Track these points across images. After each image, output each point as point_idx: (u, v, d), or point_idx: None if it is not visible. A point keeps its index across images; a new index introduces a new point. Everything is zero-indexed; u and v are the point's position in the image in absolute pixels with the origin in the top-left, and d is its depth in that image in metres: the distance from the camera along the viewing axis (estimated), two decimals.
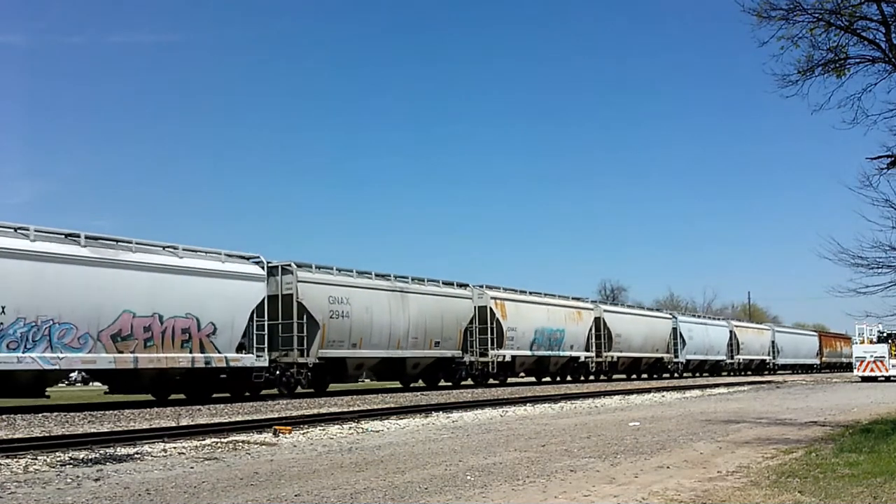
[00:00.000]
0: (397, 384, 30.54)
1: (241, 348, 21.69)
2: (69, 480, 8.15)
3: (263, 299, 22.30)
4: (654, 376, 43.73)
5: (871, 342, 40.42)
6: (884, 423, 13.10)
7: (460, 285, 30.97)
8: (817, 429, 13.59)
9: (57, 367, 17.82)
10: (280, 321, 23.46)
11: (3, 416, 15.83)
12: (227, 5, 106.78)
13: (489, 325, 31.01)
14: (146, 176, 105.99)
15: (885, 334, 39.99)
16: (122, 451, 10.71)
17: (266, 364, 22.26)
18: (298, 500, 7.01)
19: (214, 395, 22.12)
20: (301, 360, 23.68)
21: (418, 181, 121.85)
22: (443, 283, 30.10)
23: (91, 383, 38.51)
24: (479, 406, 19.54)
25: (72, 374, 35.63)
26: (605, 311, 39.72)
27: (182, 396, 21.95)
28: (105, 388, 21.88)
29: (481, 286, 31.98)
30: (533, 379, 37.18)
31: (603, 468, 8.82)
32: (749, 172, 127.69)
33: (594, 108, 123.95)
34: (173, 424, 14.38)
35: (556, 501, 6.93)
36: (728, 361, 51.66)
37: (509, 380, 34.18)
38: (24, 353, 17.06)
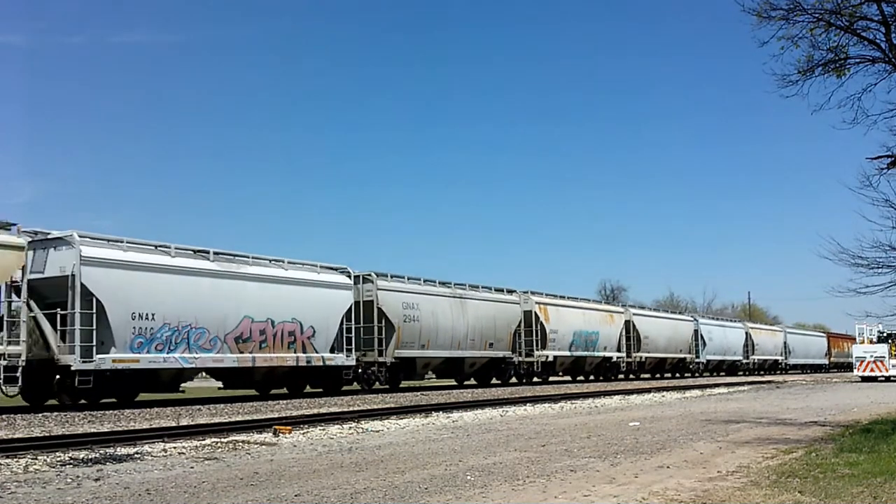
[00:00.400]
0: (452, 381, 33.22)
1: (333, 349, 24.69)
2: (69, 480, 8.16)
3: (351, 305, 25.44)
4: (677, 375, 46.11)
5: (871, 342, 40.42)
6: (884, 423, 13.10)
7: (509, 291, 34.06)
8: (817, 429, 13.59)
9: (193, 365, 21.09)
10: (362, 325, 26.30)
11: (3, 417, 15.84)
12: (227, 5, 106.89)
13: (534, 327, 33.85)
14: (146, 176, 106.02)
15: (885, 334, 39.98)
16: (122, 451, 10.71)
17: (353, 363, 25.38)
18: (298, 500, 7.01)
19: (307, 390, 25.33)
20: (380, 359, 26.68)
21: (417, 181, 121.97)
22: (494, 289, 33.21)
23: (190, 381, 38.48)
24: (480, 406, 19.54)
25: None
26: (634, 314, 42.16)
27: (264, 392, 24.56)
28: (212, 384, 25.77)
29: (526, 292, 34.90)
30: (568, 378, 39.36)
31: (603, 468, 8.82)
32: (749, 172, 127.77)
33: (594, 108, 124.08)
34: (173, 424, 14.39)
35: (556, 501, 6.93)
36: (744, 361, 53.72)
37: (550, 378, 36.66)
38: (168, 353, 19.98)
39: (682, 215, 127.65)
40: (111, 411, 17.56)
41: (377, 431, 13.59)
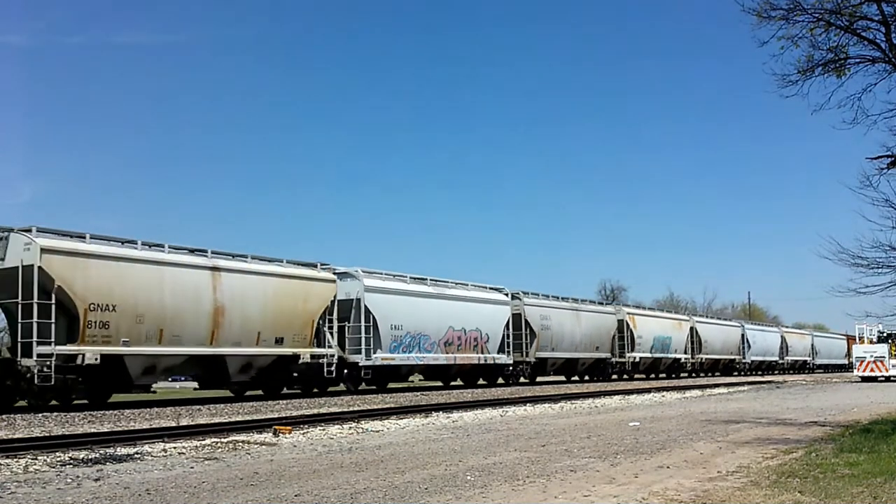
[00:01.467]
0: (561, 378, 39.91)
1: (499, 351, 32.06)
2: (69, 480, 8.16)
3: (509, 317, 32.72)
4: (727, 374, 52.38)
5: (871, 342, 40.42)
6: (884, 423, 13.10)
7: (608, 304, 44.28)
8: (817, 429, 13.59)
9: (422, 363, 28.76)
10: (511, 331, 32.91)
11: (3, 417, 15.85)
12: (227, 5, 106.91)
13: (625, 333, 40.98)
14: (146, 176, 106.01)
15: (885, 334, 39.97)
16: (122, 451, 10.71)
17: (511, 361, 32.68)
18: (298, 500, 7.01)
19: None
20: (526, 359, 33.62)
21: (417, 181, 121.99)
22: (598, 303, 42.90)
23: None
24: (480, 406, 19.54)
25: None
26: (696, 321, 49.62)
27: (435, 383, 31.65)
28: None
29: (619, 304, 45.32)
30: (643, 376, 44.16)
31: (603, 468, 8.82)
32: (749, 172, 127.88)
33: (594, 108, 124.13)
34: (173, 424, 14.39)
35: (556, 501, 6.93)
36: (779, 361, 60.25)
37: (634, 376, 42.61)
38: (409, 354, 27.72)
39: (681, 216, 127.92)
40: (111, 411, 17.57)
41: (377, 431, 13.59)
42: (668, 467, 8.91)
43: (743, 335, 54.26)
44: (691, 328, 47.45)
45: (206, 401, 21.75)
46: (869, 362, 39.34)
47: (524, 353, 33.47)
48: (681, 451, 10.37)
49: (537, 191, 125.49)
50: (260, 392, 24.07)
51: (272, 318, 22.71)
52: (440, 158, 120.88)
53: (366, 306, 25.83)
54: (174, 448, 11.00)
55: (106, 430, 13.65)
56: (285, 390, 24.71)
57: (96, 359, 18.30)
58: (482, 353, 31.27)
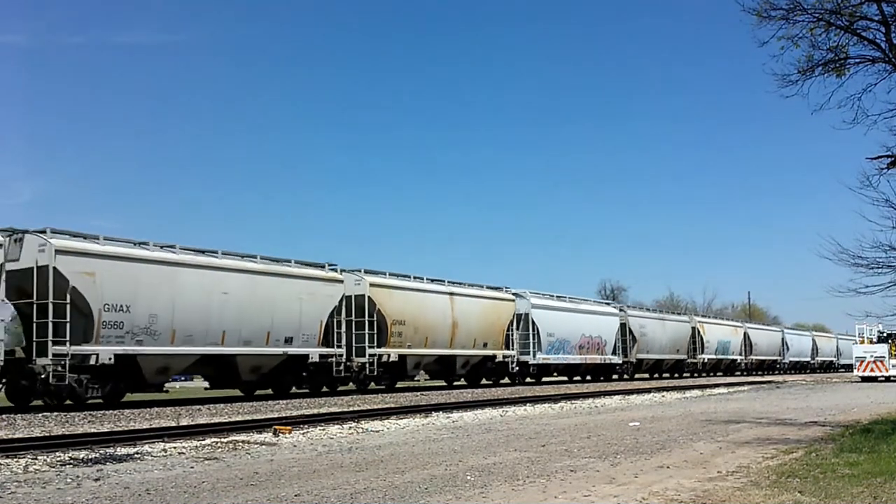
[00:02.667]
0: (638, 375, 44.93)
1: (613, 353, 40.32)
2: (69, 480, 8.15)
3: (619, 326, 40.94)
4: (771, 373, 59.84)
5: (871, 342, 40.40)
6: (884, 423, 13.10)
7: (685, 313, 54.97)
8: (817, 429, 13.59)
9: (565, 362, 37.06)
10: (619, 337, 40.88)
11: (3, 417, 15.85)
12: (228, 6, 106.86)
13: (696, 338, 48.87)
14: (147, 176, 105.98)
15: (885, 334, 39.95)
16: (122, 451, 10.71)
17: (621, 361, 41.10)
18: (298, 500, 7.01)
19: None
20: (629, 359, 42.13)
21: (418, 182, 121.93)
22: (676, 312, 55.32)
23: None
24: (479, 406, 19.54)
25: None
26: (748, 327, 58.13)
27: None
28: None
29: (692, 312, 56.63)
30: (710, 374, 51.13)
31: (603, 468, 8.82)
32: (749, 172, 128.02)
33: (594, 108, 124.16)
34: (173, 424, 14.39)
35: (556, 501, 6.93)
36: (810, 362, 68.02)
37: (702, 374, 49.90)
38: (559, 354, 36.05)
39: (681, 216, 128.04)
40: (111, 411, 17.58)
41: (377, 431, 13.59)
42: (668, 467, 8.91)
43: (783, 339, 62.82)
44: (744, 333, 55.89)
45: (207, 401, 21.75)
46: (869, 362, 39.33)
47: (627, 355, 41.76)
48: (681, 451, 10.37)
49: (537, 191, 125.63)
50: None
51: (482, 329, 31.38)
52: (440, 158, 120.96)
53: (533, 320, 34.29)
54: (174, 448, 10.99)
55: (106, 430, 13.65)
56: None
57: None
58: (602, 354, 39.60)
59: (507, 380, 33.74)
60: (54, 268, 17.80)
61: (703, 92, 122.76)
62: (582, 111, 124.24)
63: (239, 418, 15.91)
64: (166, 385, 21.93)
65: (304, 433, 13.12)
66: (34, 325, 17.93)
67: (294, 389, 24.89)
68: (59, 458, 9.86)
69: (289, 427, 13.50)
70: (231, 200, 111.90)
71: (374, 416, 16.23)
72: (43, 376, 17.64)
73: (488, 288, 32.90)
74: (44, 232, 18.41)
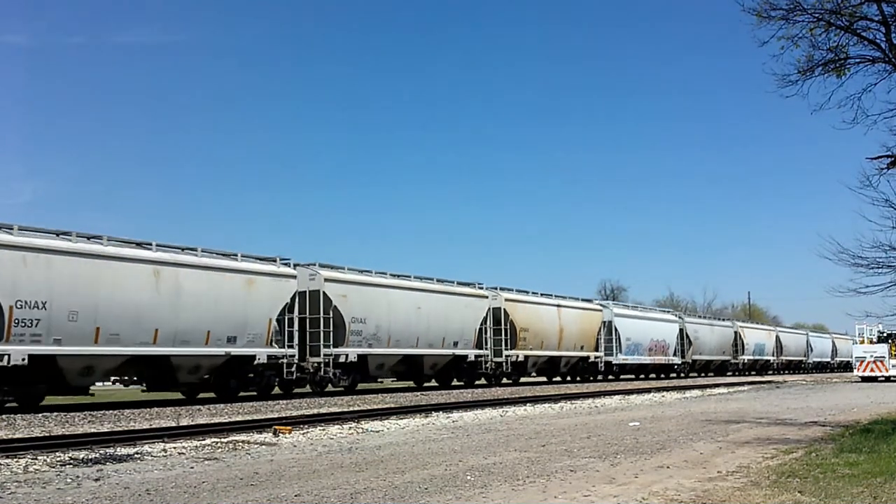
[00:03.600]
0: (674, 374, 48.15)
1: (673, 354, 45.20)
2: (69, 480, 8.16)
3: (677, 331, 46.48)
4: (797, 372, 64.71)
5: (871, 342, 40.40)
6: (884, 423, 13.10)
7: (727, 319, 59.43)
8: (817, 429, 13.59)
9: (638, 362, 42.28)
10: (679, 341, 46.78)
11: (3, 416, 15.85)
12: (229, 6, 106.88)
13: (737, 341, 54.38)
14: (147, 176, 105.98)
15: (885, 334, 39.96)
16: (122, 451, 10.71)
17: (680, 361, 46.38)
18: (298, 500, 7.01)
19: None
20: (685, 360, 47.38)
21: (416, 181, 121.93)
22: (719, 318, 57.59)
23: None
24: (480, 406, 19.53)
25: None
26: (779, 331, 63.77)
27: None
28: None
29: (734, 319, 60.90)
30: (749, 373, 56.51)
31: (603, 468, 8.83)
32: (749, 172, 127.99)
33: (594, 108, 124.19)
34: (173, 424, 14.39)
35: (556, 501, 6.94)
36: (830, 362, 72.54)
37: (745, 372, 55.39)
38: (637, 356, 41.66)
39: (681, 215, 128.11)
40: (111, 411, 17.57)
41: (377, 431, 13.59)
42: (668, 467, 8.91)
43: (808, 341, 68.69)
44: (776, 336, 61.60)
45: (208, 401, 21.73)
46: (869, 362, 39.34)
47: (684, 356, 47.16)
48: (681, 451, 10.38)
49: (537, 190, 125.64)
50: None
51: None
52: (439, 158, 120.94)
53: (615, 326, 39.94)
54: (174, 448, 11.00)
55: (106, 430, 13.65)
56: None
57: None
58: (665, 355, 44.82)
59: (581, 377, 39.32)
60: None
61: (703, 92, 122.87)
62: (582, 111, 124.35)
63: (239, 418, 15.91)
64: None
65: (304, 433, 13.12)
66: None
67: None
68: (59, 458, 9.86)
69: (289, 427, 13.50)
70: (231, 200, 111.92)
71: (374, 416, 16.23)
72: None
73: (583, 300, 40.46)
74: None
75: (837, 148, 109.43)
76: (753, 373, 57.32)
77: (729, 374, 53.62)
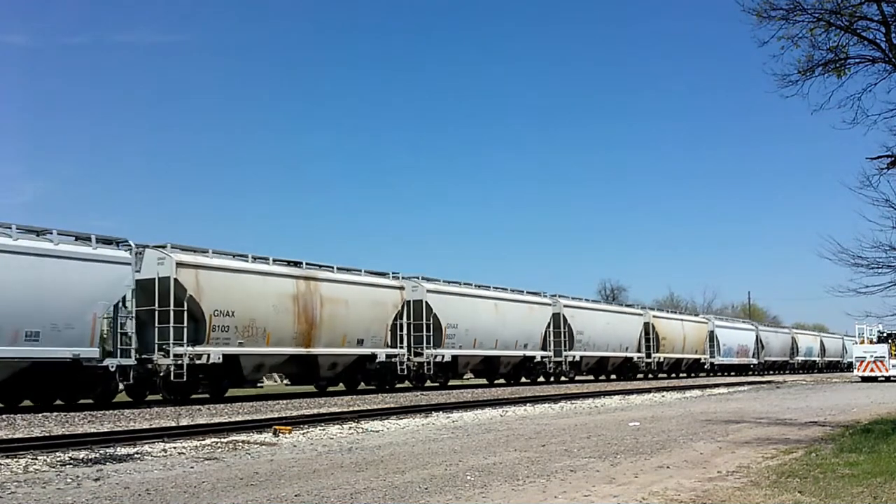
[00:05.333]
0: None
1: (703, 352, 49.77)
2: (69, 480, 8.16)
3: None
4: (810, 371, 66.26)
5: (871, 342, 40.40)
6: (884, 423, 13.10)
7: (747, 321, 64.97)
8: (817, 429, 13.59)
9: (733, 362, 52.79)
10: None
11: (3, 416, 15.85)
12: (231, 6, 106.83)
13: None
14: (148, 176, 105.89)
15: (885, 334, 39.95)
16: (122, 451, 10.71)
17: (757, 362, 55.35)
18: (298, 500, 7.01)
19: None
20: (713, 360, 52.12)
21: (415, 181, 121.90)
22: (741, 321, 62.99)
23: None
24: (479, 406, 19.53)
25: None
26: (795, 332, 67.12)
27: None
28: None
29: (754, 321, 65.17)
30: (770, 372, 59.24)
31: (603, 468, 8.83)
32: (749, 172, 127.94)
33: (594, 107, 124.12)
34: (173, 424, 14.39)
35: (556, 501, 6.94)
36: (841, 361, 73.65)
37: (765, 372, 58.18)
38: (732, 359, 51.75)
39: (682, 215, 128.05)
40: (111, 411, 17.57)
41: (377, 431, 13.59)
42: (668, 467, 8.91)
43: (821, 342, 71.21)
44: (792, 338, 65.18)
45: (208, 401, 21.72)
46: (869, 362, 39.33)
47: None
48: (681, 451, 10.38)
49: (537, 190, 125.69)
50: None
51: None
52: (438, 157, 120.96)
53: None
54: (174, 448, 11.00)
55: (106, 430, 13.65)
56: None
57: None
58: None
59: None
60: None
61: (703, 92, 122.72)
62: (582, 111, 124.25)
63: (239, 418, 15.91)
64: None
65: (304, 433, 13.12)
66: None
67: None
68: (59, 458, 9.86)
69: (289, 427, 13.50)
70: (231, 200, 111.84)
71: (374, 416, 16.23)
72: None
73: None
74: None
75: (837, 148, 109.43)
76: (773, 372, 58.60)
77: (751, 374, 54.00)
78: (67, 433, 12.94)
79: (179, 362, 20.17)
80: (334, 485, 7.76)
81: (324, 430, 13.76)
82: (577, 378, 38.97)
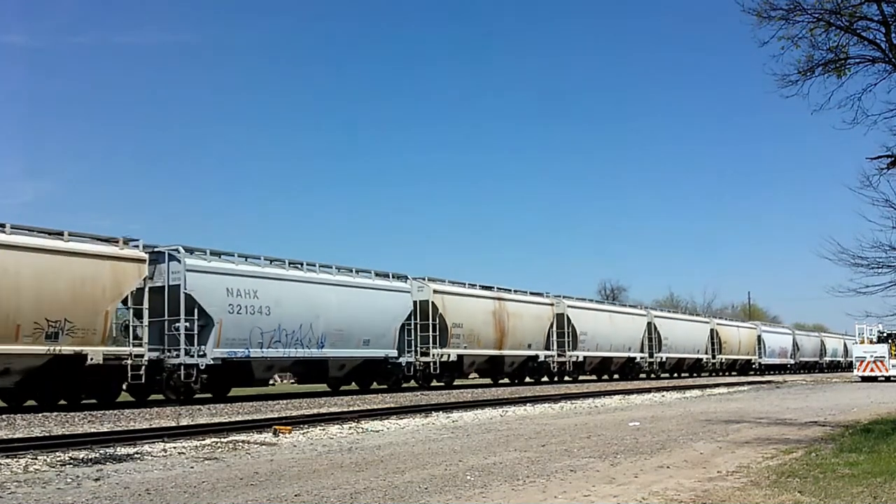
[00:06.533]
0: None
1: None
2: (69, 480, 8.16)
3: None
4: (812, 371, 66.70)
5: (871, 342, 40.40)
6: (884, 423, 13.10)
7: (752, 325, 63.36)
8: (817, 429, 13.59)
9: (770, 362, 58.75)
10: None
11: (3, 417, 15.85)
12: (233, 6, 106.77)
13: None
14: (149, 176, 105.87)
15: (885, 334, 39.95)
16: (122, 450, 10.71)
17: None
18: (298, 500, 7.01)
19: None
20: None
21: (414, 181, 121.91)
22: (744, 321, 65.45)
23: None
24: (479, 406, 19.53)
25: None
26: (797, 333, 67.12)
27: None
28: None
29: (760, 324, 64.91)
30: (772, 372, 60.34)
31: (603, 468, 8.83)
32: (749, 172, 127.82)
33: (593, 107, 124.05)
34: (173, 424, 14.39)
35: (556, 501, 6.94)
36: (841, 361, 74.32)
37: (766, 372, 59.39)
38: (782, 359, 59.80)
39: (682, 215, 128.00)
40: (111, 411, 17.57)
41: (377, 431, 13.59)
42: (668, 467, 8.91)
43: (822, 343, 72.21)
44: (793, 339, 65.15)
45: (209, 400, 21.73)
46: (869, 362, 39.33)
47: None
48: (681, 451, 10.38)
49: (536, 190, 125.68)
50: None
51: None
52: (437, 156, 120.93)
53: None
54: (174, 448, 11.00)
55: (106, 430, 13.66)
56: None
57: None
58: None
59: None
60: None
61: (702, 91, 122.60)
62: (581, 111, 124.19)
63: (239, 418, 15.91)
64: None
65: (304, 433, 13.12)
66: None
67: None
68: (59, 458, 9.86)
69: (289, 427, 13.50)
70: (231, 200, 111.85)
71: (374, 416, 16.23)
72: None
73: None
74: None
75: (837, 148, 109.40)
76: (774, 371, 58.82)
77: (752, 373, 55.08)
78: (67, 433, 12.94)
79: (435, 359, 28.60)
80: (334, 485, 7.76)
81: (324, 430, 13.76)
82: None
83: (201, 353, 20.81)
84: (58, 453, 10.33)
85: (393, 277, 28.17)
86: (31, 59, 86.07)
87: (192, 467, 9.14)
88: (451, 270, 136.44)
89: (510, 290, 34.20)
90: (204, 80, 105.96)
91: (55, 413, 16.82)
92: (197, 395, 21.56)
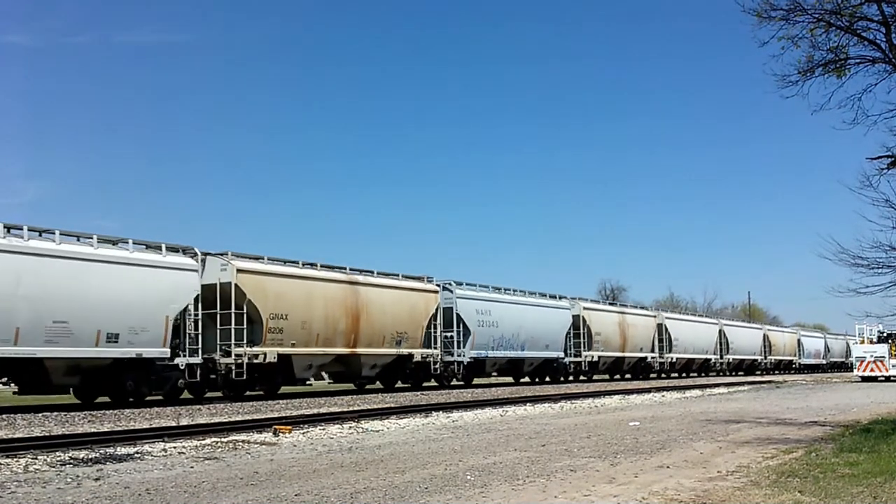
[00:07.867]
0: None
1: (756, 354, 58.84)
2: (69, 480, 8.16)
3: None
4: (816, 371, 67.48)
5: (871, 342, 40.39)
6: (884, 423, 13.10)
7: (752, 323, 67.74)
8: (817, 429, 13.59)
9: (809, 362, 66.06)
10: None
11: (3, 416, 15.86)
12: (232, 6, 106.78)
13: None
14: (148, 176, 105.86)
15: (885, 334, 39.95)
16: (122, 450, 10.71)
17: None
18: (298, 500, 7.01)
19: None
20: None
21: (414, 181, 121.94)
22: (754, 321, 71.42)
23: None
24: (480, 406, 19.53)
25: None
26: (801, 334, 68.36)
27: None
28: None
29: (764, 324, 68.43)
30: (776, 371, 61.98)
31: (603, 468, 8.83)
32: (749, 172, 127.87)
33: (593, 107, 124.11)
34: (173, 424, 14.39)
35: (556, 501, 6.94)
36: (845, 362, 75.11)
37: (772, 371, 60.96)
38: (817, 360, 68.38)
39: (682, 215, 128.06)
40: (111, 411, 17.58)
41: (377, 431, 13.59)
42: (668, 467, 8.91)
43: (825, 343, 73.53)
44: (798, 339, 66.80)
45: (208, 400, 21.73)
46: (869, 362, 39.32)
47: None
48: (681, 451, 10.38)
49: (536, 190, 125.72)
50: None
51: None
52: (437, 157, 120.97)
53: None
54: (174, 448, 11.00)
55: (106, 429, 13.65)
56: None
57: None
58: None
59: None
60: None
61: (702, 91, 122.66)
62: (581, 110, 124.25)
63: (239, 418, 15.91)
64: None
65: (304, 433, 13.12)
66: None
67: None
68: (59, 458, 9.86)
69: (289, 427, 13.50)
70: (232, 200, 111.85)
71: (374, 416, 16.23)
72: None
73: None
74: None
75: (837, 148, 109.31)
76: (779, 371, 59.89)
77: (758, 372, 56.17)
78: (67, 433, 12.93)
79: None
80: (334, 484, 7.76)
81: (324, 429, 13.76)
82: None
83: (461, 354, 29.97)
84: (58, 453, 10.33)
85: (558, 298, 37.33)
86: (31, 59, 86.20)
87: (192, 467, 9.14)
88: (448, 269, 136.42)
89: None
90: (204, 80, 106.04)
91: (55, 413, 16.83)
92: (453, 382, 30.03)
